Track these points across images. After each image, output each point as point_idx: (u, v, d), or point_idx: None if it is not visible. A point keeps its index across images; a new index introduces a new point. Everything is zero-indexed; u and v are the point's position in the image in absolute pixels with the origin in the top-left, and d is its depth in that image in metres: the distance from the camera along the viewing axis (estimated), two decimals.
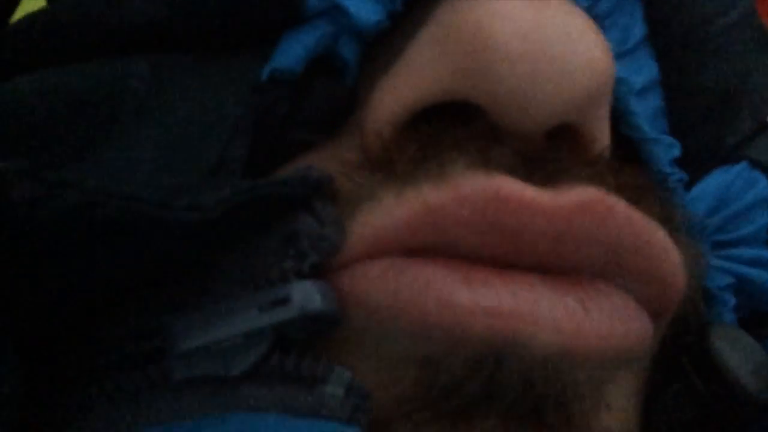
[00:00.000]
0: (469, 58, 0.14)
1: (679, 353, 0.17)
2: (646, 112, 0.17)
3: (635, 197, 0.15)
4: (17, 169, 0.12)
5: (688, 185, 0.18)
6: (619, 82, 0.16)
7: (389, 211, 0.14)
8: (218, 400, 0.13)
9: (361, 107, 0.16)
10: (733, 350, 0.16)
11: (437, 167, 0.14)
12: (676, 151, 0.18)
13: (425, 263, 0.14)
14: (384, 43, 0.16)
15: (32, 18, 0.17)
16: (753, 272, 0.18)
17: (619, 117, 0.17)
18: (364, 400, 0.14)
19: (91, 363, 0.14)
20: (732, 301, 0.17)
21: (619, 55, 0.17)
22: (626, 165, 0.16)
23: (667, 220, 0.16)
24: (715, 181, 0.18)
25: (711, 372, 0.17)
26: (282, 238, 0.14)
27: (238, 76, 0.16)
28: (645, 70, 0.18)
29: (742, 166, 0.18)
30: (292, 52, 0.15)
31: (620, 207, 0.15)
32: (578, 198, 0.14)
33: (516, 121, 0.15)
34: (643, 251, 0.15)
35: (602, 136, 0.16)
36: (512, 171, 0.14)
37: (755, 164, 0.18)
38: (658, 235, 0.15)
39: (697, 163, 0.18)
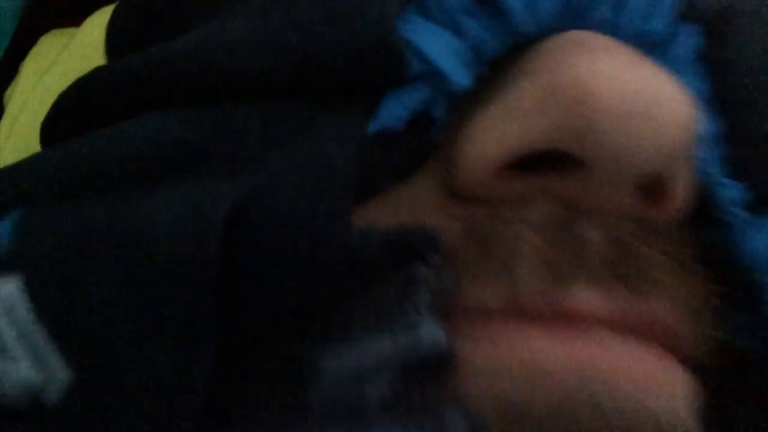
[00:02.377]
0: (574, 115, 0.15)
1: None
2: (711, 158, 0.19)
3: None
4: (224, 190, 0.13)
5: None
6: None
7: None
8: (350, 427, 0.14)
9: (445, 152, 0.17)
10: None
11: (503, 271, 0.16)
12: (737, 194, 0.19)
13: None
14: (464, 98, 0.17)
15: (144, 59, 0.18)
16: None
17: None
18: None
19: (238, 387, 0.15)
20: None
21: None
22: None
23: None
24: None
25: None
26: (403, 283, 0.15)
27: (346, 132, 0.17)
28: (708, 122, 0.19)
29: None
30: (396, 112, 0.17)
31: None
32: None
33: (612, 172, 0.16)
34: None
35: (685, 185, 0.18)
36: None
37: None
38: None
39: (756, 208, 0.20)
